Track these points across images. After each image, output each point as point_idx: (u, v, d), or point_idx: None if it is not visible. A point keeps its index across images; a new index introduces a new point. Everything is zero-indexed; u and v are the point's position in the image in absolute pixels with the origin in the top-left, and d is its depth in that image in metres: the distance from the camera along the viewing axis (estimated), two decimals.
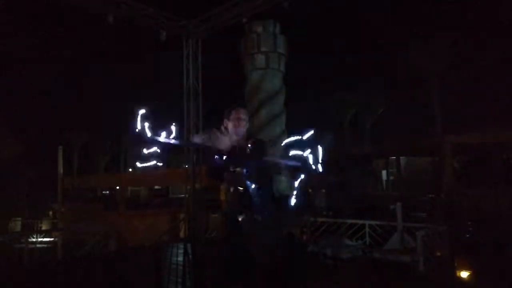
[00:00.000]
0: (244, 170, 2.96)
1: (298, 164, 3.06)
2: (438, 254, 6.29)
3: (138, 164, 3.12)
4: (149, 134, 2.67)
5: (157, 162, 2.85)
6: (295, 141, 3.12)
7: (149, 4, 8.47)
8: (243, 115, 3.16)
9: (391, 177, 21.90)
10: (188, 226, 9.19)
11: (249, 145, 3.08)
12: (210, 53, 10.15)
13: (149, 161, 2.84)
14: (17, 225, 18.74)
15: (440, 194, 14.33)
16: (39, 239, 9.78)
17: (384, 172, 22.34)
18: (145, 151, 2.79)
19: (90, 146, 39.52)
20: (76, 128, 36.92)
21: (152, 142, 2.72)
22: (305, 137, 3.10)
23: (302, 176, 3.09)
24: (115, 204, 25.53)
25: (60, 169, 13.09)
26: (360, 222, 8.12)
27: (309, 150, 3.05)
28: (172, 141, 2.77)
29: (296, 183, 3.09)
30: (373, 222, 8.01)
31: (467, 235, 7.38)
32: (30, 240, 9.29)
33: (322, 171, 3.01)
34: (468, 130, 15.61)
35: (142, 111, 2.66)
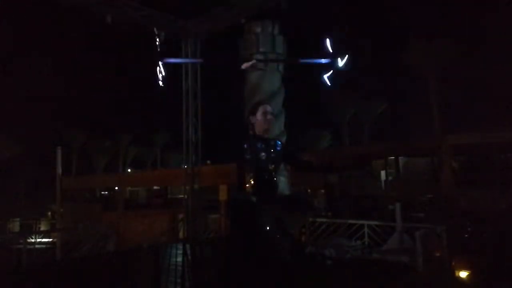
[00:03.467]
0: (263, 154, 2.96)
1: None
2: (437, 254, 6.30)
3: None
4: None
5: None
6: None
7: (148, 4, 8.46)
8: (269, 109, 3.11)
9: (390, 178, 21.86)
10: (187, 226, 9.18)
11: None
12: (209, 53, 10.16)
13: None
14: (16, 225, 18.73)
15: (439, 194, 14.32)
16: (38, 240, 9.77)
17: (383, 173, 22.29)
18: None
19: (89, 146, 39.48)
20: (75, 128, 36.92)
21: None
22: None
23: None
24: (114, 205, 25.53)
25: (59, 170, 13.06)
26: (359, 222, 8.12)
27: None
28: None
29: None
30: (372, 223, 8.02)
31: (466, 236, 7.39)
32: (29, 240, 9.27)
33: None
34: (467, 130, 15.61)
35: None
